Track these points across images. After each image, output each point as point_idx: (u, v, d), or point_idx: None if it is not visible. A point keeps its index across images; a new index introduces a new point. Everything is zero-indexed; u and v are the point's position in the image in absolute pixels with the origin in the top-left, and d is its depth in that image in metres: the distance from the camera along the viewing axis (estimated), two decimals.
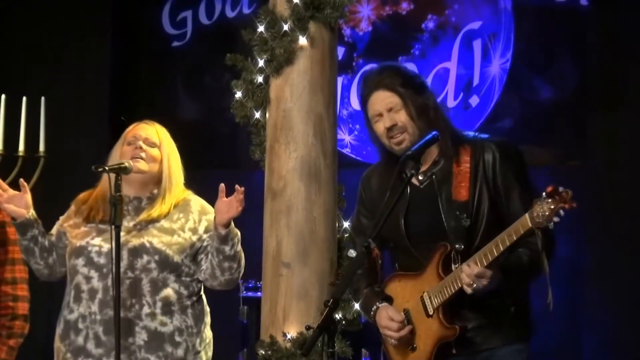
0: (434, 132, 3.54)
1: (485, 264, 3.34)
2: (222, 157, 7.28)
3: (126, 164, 3.85)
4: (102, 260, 3.89)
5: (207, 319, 4.07)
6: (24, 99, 4.39)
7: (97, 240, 3.92)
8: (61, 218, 4.10)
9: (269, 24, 4.43)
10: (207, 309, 4.08)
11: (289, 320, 4.33)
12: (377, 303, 3.62)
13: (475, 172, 3.50)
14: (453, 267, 3.46)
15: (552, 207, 3.16)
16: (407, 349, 3.57)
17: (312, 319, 4.17)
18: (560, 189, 3.17)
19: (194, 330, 3.98)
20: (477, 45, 6.65)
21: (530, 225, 3.22)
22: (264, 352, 4.37)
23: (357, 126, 6.95)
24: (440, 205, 3.51)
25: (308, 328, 3.74)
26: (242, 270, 4.01)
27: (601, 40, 6.29)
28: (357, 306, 4.38)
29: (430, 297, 3.49)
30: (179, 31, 7.52)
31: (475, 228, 3.48)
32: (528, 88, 6.56)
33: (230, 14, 7.34)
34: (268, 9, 4.48)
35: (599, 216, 6.02)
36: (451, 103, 6.66)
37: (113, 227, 3.75)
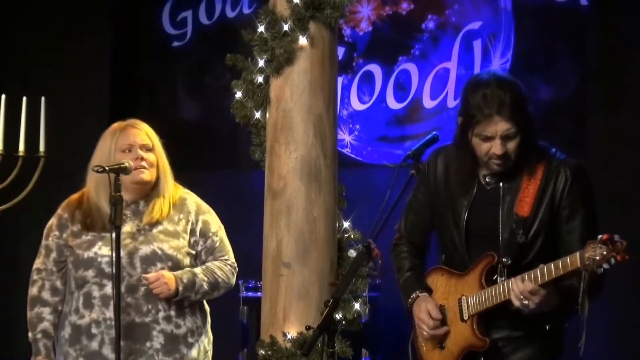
0: (434, 133, 3.54)
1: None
2: (222, 157, 7.28)
3: (126, 164, 3.84)
4: (113, 269, 3.88)
5: (209, 317, 4.08)
6: (24, 99, 4.39)
7: (106, 250, 3.89)
8: (54, 230, 4.02)
9: (269, 24, 4.43)
10: (207, 307, 4.09)
11: (289, 320, 4.32)
12: (418, 291, 3.62)
13: (543, 192, 3.48)
14: (499, 280, 3.45)
15: (604, 253, 3.16)
16: (436, 346, 3.58)
17: (312, 319, 4.17)
18: (616, 238, 3.17)
19: (202, 329, 3.99)
20: (477, 45, 6.64)
21: (579, 265, 3.22)
22: (264, 352, 4.36)
23: (357, 126, 6.95)
24: (500, 214, 3.50)
25: (308, 328, 3.74)
26: (226, 286, 3.99)
27: (601, 40, 6.28)
28: (357, 306, 4.38)
29: (468, 303, 3.49)
30: (179, 31, 7.52)
31: (529, 246, 3.47)
32: (528, 88, 6.51)
33: (230, 14, 7.33)
34: (268, 9, 4.48)
35: (599, 216, 6.01)
36: (451, 103, 6.66)
37: (113, 227, 3.75)
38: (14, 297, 7.16)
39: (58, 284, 3.99)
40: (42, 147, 4.47)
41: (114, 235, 3.75)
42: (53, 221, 4.04)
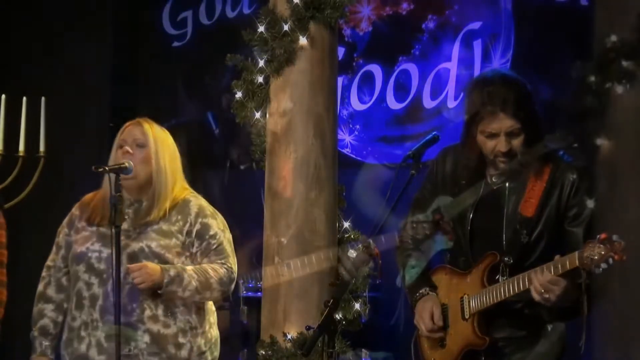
0: (434, 133, 3.55)
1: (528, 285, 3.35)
2: (221, 157, 7.27)
3: (126, 164, 3.83)
4: (102, 266, 3.87)
5: (213, 318, 4.04)
6: (24, 99, 4.39)
7: (97, 246, 3.89)
8: (64, 227, 4.03)
9: (269, 24, 4.43)
10: (213, 308, 4.06)
11: (289, 320, 4.32)
12: (427, 288, 3.63)
13: (549, 193, 3.50)
14: (500, 279, 3.46)
15: (603, 253, 3.18)
16: (437, 344, 3.59)
17: (312, 319, 4.17)
18: (614, 237, 3.18)
19: (198, 330, 3.95)
20: (477, 45, 6.64)
21: (577, 264, 3.23)
22: (264, 352, 4.37)
23: (357, 126, 6.95)
24: (504, 213, 3.51)
25: (308, 328, 3.74)
26: (220, 288, 3.94)
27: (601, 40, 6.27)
28: (357, 306, 4.38)
29: (469, 302, 3.50)
30: (179, 31, 7.52)
31: (532, 246, 3.48)
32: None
33: (230, 14, 7.34)
34: (268, 9, 4.48)
35: (600, 216, 6.00)
36: (451, 103, 6.66)
37: (113, 227, 3.74)
38: (14, 297, 7.14)
39: (64, 280, 4.00)
40: (42, 147, 4.48)
41: (116, 235, 3.75)
42: (66, 219, 4.05)
